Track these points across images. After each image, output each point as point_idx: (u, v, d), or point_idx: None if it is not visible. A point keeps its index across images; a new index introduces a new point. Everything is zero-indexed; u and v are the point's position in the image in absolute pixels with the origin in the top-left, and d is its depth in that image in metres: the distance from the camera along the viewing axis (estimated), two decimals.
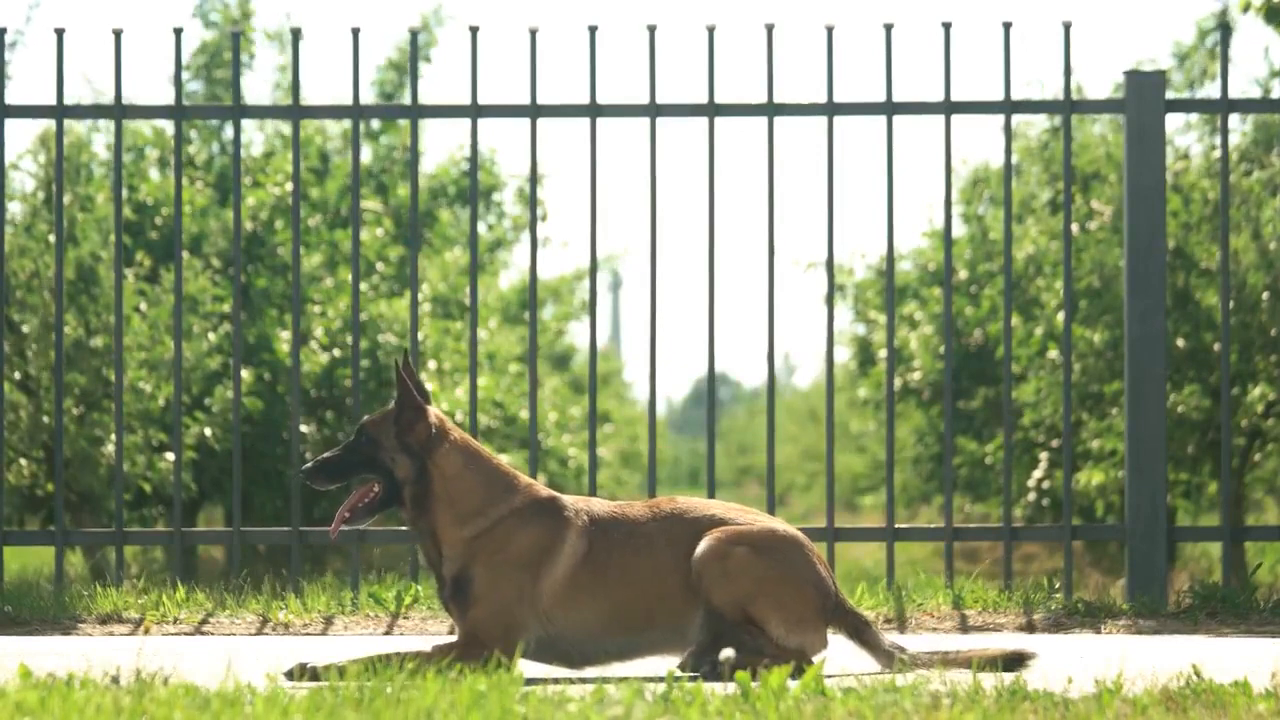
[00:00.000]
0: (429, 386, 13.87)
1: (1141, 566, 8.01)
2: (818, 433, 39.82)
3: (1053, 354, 16.91)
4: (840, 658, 5.52)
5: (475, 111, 8.25)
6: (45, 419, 14.46)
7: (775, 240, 8.26)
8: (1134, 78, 8.20)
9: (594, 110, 8.21)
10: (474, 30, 8.26)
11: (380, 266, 19.50)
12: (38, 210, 16.35)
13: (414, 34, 8.32)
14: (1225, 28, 8.42)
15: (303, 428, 17.76)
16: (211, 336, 16.96)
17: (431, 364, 18.69)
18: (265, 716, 4.34)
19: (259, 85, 33.05)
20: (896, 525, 8.25)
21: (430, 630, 7.26)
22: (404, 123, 20.41)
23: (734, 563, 5.41)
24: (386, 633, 7.29)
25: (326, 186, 19.92)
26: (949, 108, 8.22)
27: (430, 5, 27.12)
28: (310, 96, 38.69)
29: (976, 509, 22.31)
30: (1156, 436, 8.05)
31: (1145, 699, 4.69)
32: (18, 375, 14.42)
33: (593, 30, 8.18)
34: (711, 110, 8.22)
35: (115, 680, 4.87)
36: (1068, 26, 8.26)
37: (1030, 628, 7.32)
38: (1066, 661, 5.81)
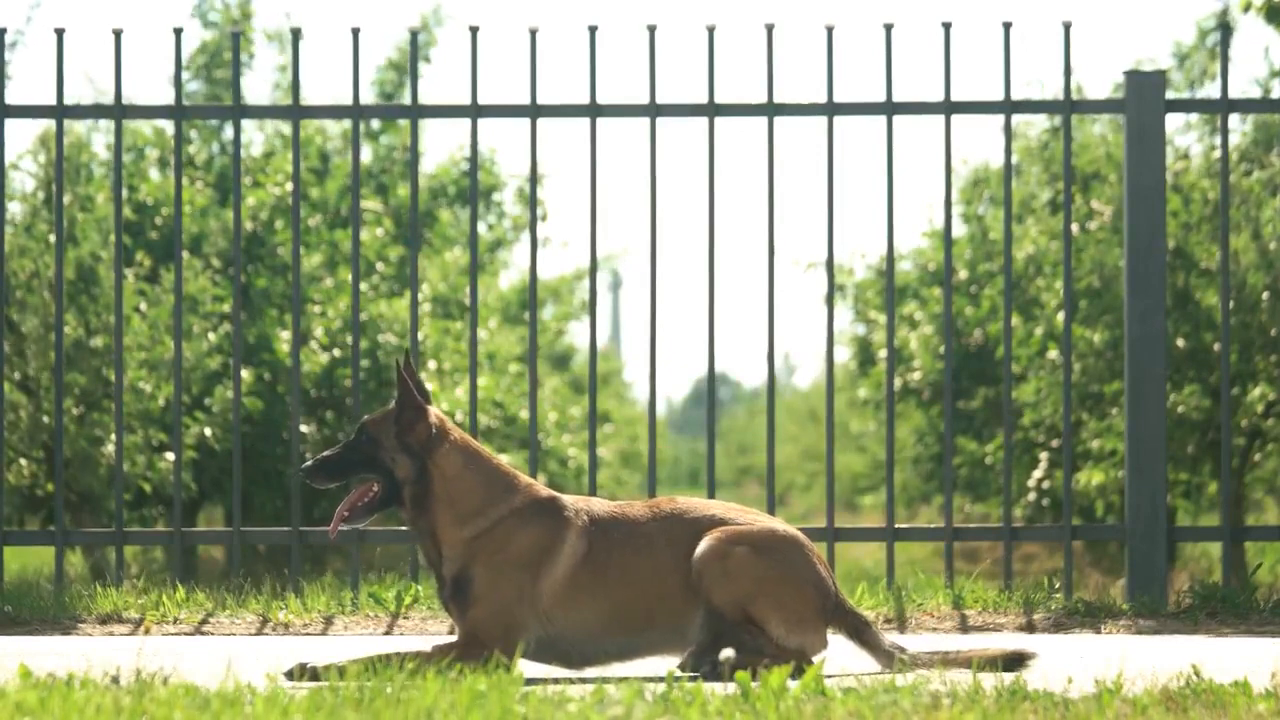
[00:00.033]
0: (429, 386, 13.87)
1: (1141, 566, 8.01)
2: (818, 433, 39.82)
3: (1053, 354, 16.91)
4: (840, 658, 5.52)
5: (475, 111, 8.25)
6: (45, 419, 14.45)
7: (775, 240, 8.26)
8: (1134, 78, 8.20)
9: (594, 110, 8.21)
10: (474, 30, 8.26)
11: (380, 266, 19.50)
12: (38, 210, 16.35)
13: (414, 34, 8.32)
14: (1225, 27, 8.43)
15: (303, 428, 17.76)
16: (211, 336, 16.96)
17: (431, 364, 18.69)
18: (265, 716, 4.34)
19: (259, 85, 33.10)
20: (896, 525, 8.25)
21: (430, 630, 7.26)
22: (404, 123, 20.41)
23: (734, 563, 5.41)
24: (386, 633, 7.29)
25: (326, 186, 19.92)
26: (949, 108, 8.22)
27: (430, 5, 27.13)
28: (310, 96, 38.68)
29: (976, 509, 22.31)
30: (1156, 436, 8.05)
31: (1145, 699, 4.69)
32: (18, 375, 14.42)
33: (593, 30, 8.18)
34: (711, 110, 8.22)
35: (115, 680, 4.87)
36: (1068, 26, 8.26)
37: (1030, 628, 7.32)
38: (1066, 661, 5.81)
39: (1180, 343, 15.38)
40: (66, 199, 16.02)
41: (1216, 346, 15.13)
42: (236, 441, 8.25)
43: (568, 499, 5.55)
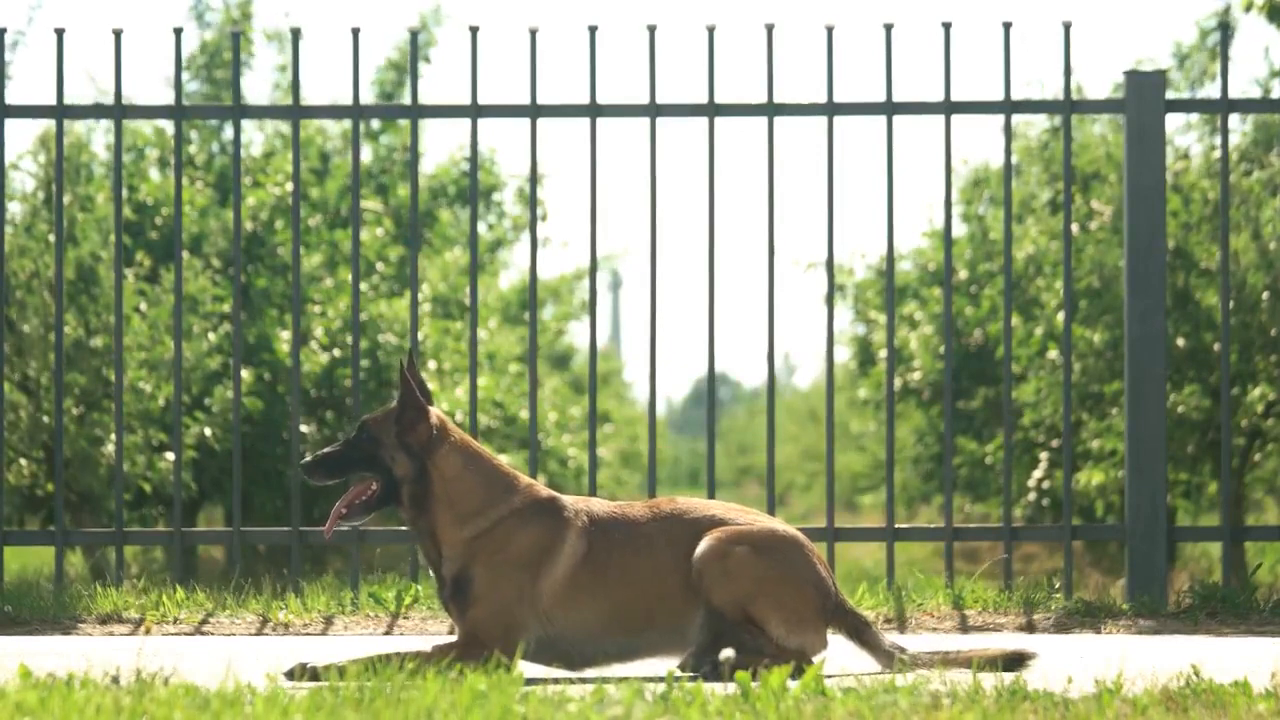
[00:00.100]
0: (429, 386, 13.88)
1: (1141, 566, 8.01)
2: (818, 433, 39.82)
3: (1053, 354, 16.91)
4: (840, 658, 5.52)
5: (475, 111, 8.25)
6: (45, 419, 14.45)
7: (775, 240, 8.26)
8: (1134, 78, 8.20)
9: (594, 110, 8.21)
10: (474, 30, 8.26)
11: (380, 266, 19.50)
12: (38, 210, 16.34)
13: (414, 34, 8.32)
14: (1226, 27, 8.42)
15: (303, 428, 17.76)
16: (211, 336, 16.96)
17: (431, 364, 18.69)
18: (265, 716, 4.34)
19: (259, 85, 33.11)
20: (896, 525, 8.25)
21: (430, 630, 7.26)
22: (404, 123, 20.41)
23: (734, 563, 5.41)
24: (386, 633, 7.29)
25: (326, 186, 19.92)
26: (949, 108, 8.22)
27: (430, 5, 27.11)
28: (310, 96, 38.71)
29: (976, 509, 22.31)
30: (1156, 436, 8.05)
31: (1145, 699, 4.69)
32: (18, 375, 14.42)
33: (593, 30, 8.18)
34: (711, 110, 8.22)
35: (115, 680, 4.86)
36: (1068, 26, 8.26)
37: (1030, 628, 7.32)
38: (1066, 661, 5.81)
39: (1180, 343, 15.38)
40: (66, 199, 16.02)
41: (1216, 346, 15.13)
42: (236, 441, 8.25)
43: (568, 499, 5.55)
